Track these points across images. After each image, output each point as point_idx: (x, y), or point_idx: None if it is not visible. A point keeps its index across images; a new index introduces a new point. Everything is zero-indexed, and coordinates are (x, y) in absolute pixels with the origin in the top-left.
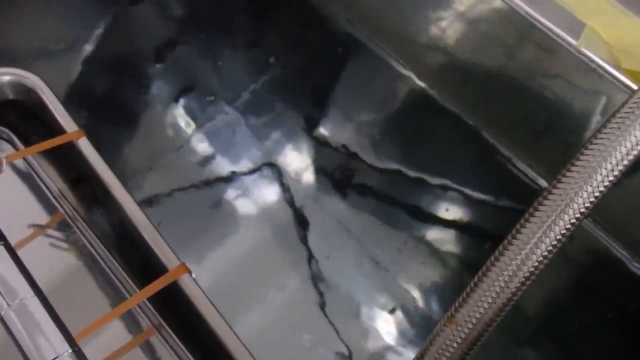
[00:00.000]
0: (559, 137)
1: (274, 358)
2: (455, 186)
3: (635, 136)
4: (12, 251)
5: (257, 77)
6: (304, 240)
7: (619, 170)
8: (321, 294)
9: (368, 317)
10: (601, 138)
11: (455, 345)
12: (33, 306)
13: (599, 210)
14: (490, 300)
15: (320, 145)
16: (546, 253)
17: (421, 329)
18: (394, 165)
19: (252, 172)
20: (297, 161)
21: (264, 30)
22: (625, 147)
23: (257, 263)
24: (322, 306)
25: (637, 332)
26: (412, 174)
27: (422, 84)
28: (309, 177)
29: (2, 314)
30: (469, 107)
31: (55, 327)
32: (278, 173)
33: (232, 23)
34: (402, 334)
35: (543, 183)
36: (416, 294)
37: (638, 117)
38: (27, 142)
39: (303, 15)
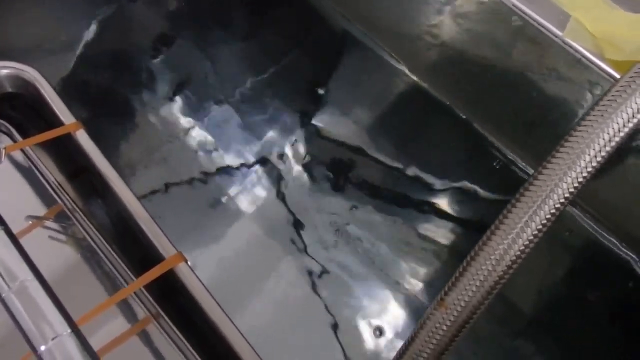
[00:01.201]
0: (549, 127)
1: (270, 347)
2: (448, 176)
3: (617, 123)
4: (12, 236)
5: (253, 72)
6: (299, 232)
7: (602, 157)
8: (317, 285)
9: (364, 305)
10: (584, 126)
11: (444, 327)
12: (33, 289)
13: (592, 202)
14: (478, 284)
15: (316, 140)
16: (532, 237)
17: (416, 314)
18: (388, 158)
19: (249, 166)
20: (293, 155)
21: (261, 26)
22: (608, 134)
23: (254, 257)
24: (319, 299)
25: (628, 318)
26: (405, 165)
27: (415, 78)
28: (304, 171)
29: (4, 296)
30: (461, 100)
31: (54, 308)
32: (275, 167)
33: (229, 19)
34: (398, 320)
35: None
36: (411, 282)
37: (620, 105)
38: (26, 135)
39: (300, 12)
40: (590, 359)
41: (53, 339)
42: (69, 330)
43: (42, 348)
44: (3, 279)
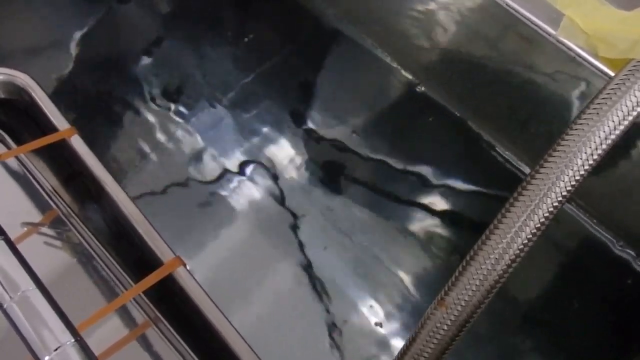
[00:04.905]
0: (543, 125)
1: (269, 348)
2: (442, 175)
3: (613, 121)
4: (12, 245)
5: (245, 72)
6: (295, 232)
7: (598, 155)
8: (314, 285)
9: (360, 305)
10: (580, 124)
11: (445, 327)
12: (35, 298)
13: (586, 197)
14: (478, 283)
15: (308, 139)
16: (530, 236)
17: (414, 313)
18: (382, 157)
19: (241, 166)
20: (286, 155)
21: (251, 26)
22: (604, 131)
23: (249, 257)
24: (315, 297)
25: (624, 315)
26: (399, 164)
27: (408, 75)
28: (297, 170)
29: (5, 306)
30: (454, 98)
31: (57, 317)
32: (267, 167)
33: (218, 19)
34: (395, 320)
35: (528, 171)
36: (408, 281)
37: (615, 103)
38: (20, 142)
39: (290, 11)
40: (590, 356)
41: (56, 349)
42: (72, 340)
43: (46, 359)
44: (4, 289)
